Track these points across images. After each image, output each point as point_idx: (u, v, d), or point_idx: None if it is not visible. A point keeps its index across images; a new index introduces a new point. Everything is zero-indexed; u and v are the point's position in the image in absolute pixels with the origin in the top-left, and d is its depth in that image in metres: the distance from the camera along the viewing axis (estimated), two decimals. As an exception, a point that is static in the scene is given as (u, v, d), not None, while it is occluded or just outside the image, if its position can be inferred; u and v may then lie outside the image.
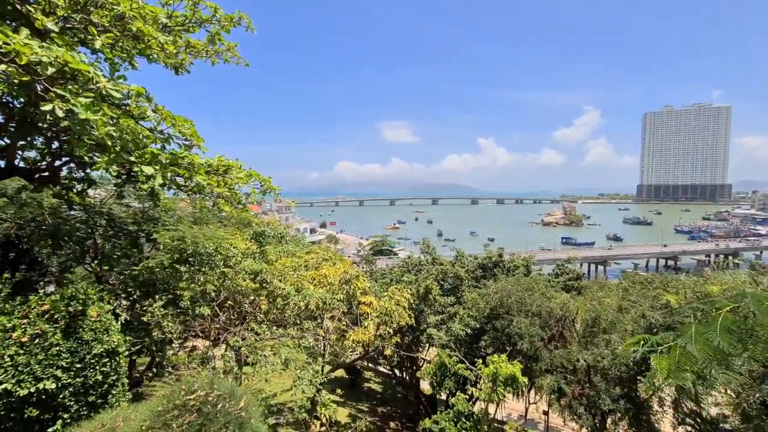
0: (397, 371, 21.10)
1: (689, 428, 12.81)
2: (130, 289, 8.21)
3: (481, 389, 10.48)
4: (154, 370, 10.70)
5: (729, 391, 9.51)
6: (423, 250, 25.97)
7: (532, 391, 18.66)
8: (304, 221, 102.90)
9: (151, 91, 5.32)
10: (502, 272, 20.22)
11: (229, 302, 8.61)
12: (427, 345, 17.40)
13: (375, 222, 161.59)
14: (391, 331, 11.80)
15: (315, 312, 11.09)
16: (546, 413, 21.26)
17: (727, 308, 3.94)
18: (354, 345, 11.78)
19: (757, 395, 7.48)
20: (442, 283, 18.63)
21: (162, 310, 7.62)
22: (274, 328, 9.20)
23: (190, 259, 8.78)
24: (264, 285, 8.79)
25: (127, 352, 6.60)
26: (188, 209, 12.31)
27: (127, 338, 7.83)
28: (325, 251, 16.58)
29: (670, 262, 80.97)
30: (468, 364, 12.78)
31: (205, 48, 7.23)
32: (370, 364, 28.15)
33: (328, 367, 13.46)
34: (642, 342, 4.40)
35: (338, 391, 20.93)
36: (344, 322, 12.58)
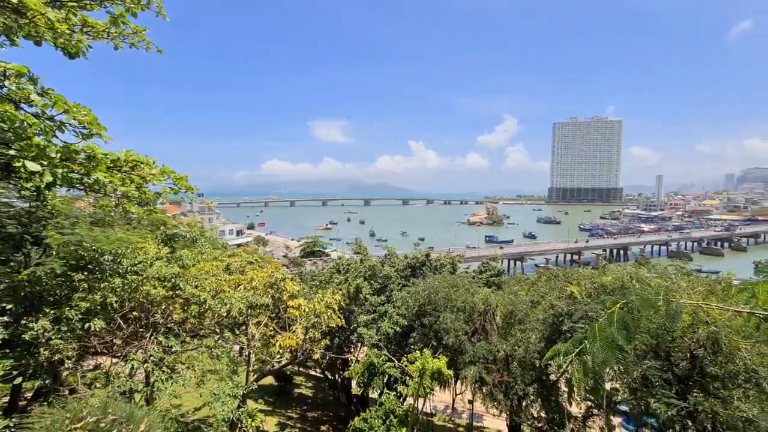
0: (328, 373, 20.86)
1: (589, 403, 14.46)
2: (5, 303, 6.98)
3: (408, 385, 10.77)
4: (47, 395, 9.29)
5: (617, 368, 10.90)
6: (355, 250, 25.98)
7: (458, 383, 19.67)
8: (230, 222, 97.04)
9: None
10: (430, 270, 21.02)
11: (135, 313, 7.75)
12: (359, 344, 17.46)
13: (306, 223, 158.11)
14: (319, 334, 11.61)
15: (238, 318, 10.51)
16: (471, 402, 22.54)
17: (618, 305, 4.54)
18: (282, 351, 11.38)
19: (639, 371, 8.69)
20: (372, 282, 18.83)
21: (50, 326, 6.61)
22: (189, 338, 8.50)
23: (89, 266, 7.76)
24: (177, 292, 8.06)
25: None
26: (90, 209, 10.89)
27: (4, 362, 6.69)
28: (251, 254, 15.81)
29: (575, 257, 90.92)
30: (397, 362, 13.06)
31: (106, 29, 6.43)
32: (301, 369, 27.47)
33: (254, 376, 12.83)
34: (557, 351, 4.87)
35: (266, 399, 20.14)
36: (271, 328, 12.10)
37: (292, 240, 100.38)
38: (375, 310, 17.14)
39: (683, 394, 7.02)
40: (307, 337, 11.23)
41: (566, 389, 14.31)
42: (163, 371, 7.27)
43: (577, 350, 4.17)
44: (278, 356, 12.10)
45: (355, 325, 16.16)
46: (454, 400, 25.03)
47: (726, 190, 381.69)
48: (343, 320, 12.77)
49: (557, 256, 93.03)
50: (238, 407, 9.37)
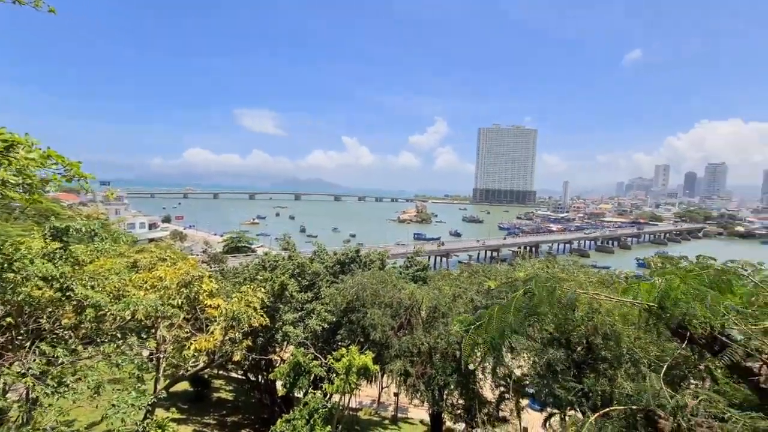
0: (251, 375, 19.91)
1: (503, 389, 15.66)
2: None
3: (334, 383, 10.66)
4: None
5: (527, 356, 11.93)
6: (284, 246, 25.12)
7: (385, 377, 20.05)
8: (142, 215, 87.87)
9: None
10: (360, 266, 21.07)
11: (9, 319, 6.54)
12: (285, 343, 16.91)
13: (231, 217, 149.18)
14: (240, 334, 10.98)
15: (146, 321, 9.49)
16: (396, 395, 23.12)
17: (521, 291, 4.95)
18: (197, 354, 10.55)
19: (545, 357, 9.58)
20: (300, 279, 18.34)
21: None
22: (83, 346, 7.45)
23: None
24: (67, 294, 6.98)
25: None
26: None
27: None
28: (164, 249, 14.41)
29: (495, 253, 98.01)
30: (323, 360, 12.88)
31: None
32: (220, 372, 25.85)
33: (165, 383, 11.73)
34: (462, 323, 5.20)
35: (180, 406, 18.58)
36: (186, 330, 11.15)
37: (215, 235, 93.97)
38: (302, 307, 16.71)
39: (579, 376, 7.94)
40: (227, 338, 10.54)
41: (482, 377, 15.33)
42: (48, 385, 6.25)
43: (477, 324, 4.49)
44: (193, 360, 11.21)
45: (281, 323, 15.60)
46: (380, 394, 25.51)
47: (617, 196, 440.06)
48: (267, 319, 12.23)
49: (479, 253, 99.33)
50: (145, 418, 8.48)
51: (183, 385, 19.53)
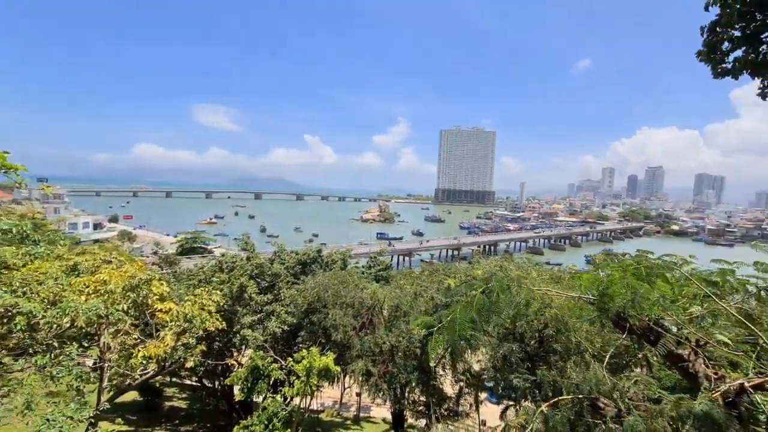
0: (206, 381, 19.09)
1: (462, 384, 16.05)
2: None
3: (293, 386, 10.45)
4: None
5: (485, 351, 12.31)
6: (242, 247, 24.30)
7: (347, 377, 19.94)
8: (86, 214, 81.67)
9: None
10: (321, 267, 20.81)
11: None
12: (243, 347, 16.38)
13: (187, 216, 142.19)
14: (194, 339, 10.49)
15: (88, 329, 8.81)
16: (358, 395, 23.08)
17: (480, 290, 5.09)
18: (146, 361, 9.94)
19: (501, 352, 9.94)
20: (259, 280, 17.83)
21: None
22: (13, 358, 6.78)
23: None
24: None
25: None
26: None
27: None
28: (110, 251, 13.46)
29: (456, 252, 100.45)
30: (283, 363, 12.59)
31: None
32: (173, 379, 24.59)
33: (109, 393, 10.96)
34: (423, 324, 5.27)
35: (128, 417, 17.46)
36: (134, 336, 10.48)
37: (167, 236, 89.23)
38: (261, 309, 16.26)
39: (532, 369, 8.33)
40: (179, 343, 10.03)
41: (443, 374, 15.62)
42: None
43: (439, 325, 4.58)
44: (142, 368, 10.57)
45: (239, 326, 15.10)
46: (342, 395, 25.35)
47: (569, 196, 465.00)
48: (223, 323, 11.77)
49: (440, 252, 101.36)
50: (87, 431, 7.89)
51: (131, 395, 18.38)
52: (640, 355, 6.94)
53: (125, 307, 9.22)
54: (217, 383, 18.68)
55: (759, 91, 3.95)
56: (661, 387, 5.55)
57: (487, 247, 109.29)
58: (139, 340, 10.27)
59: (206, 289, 11.20)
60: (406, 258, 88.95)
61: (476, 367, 15.14)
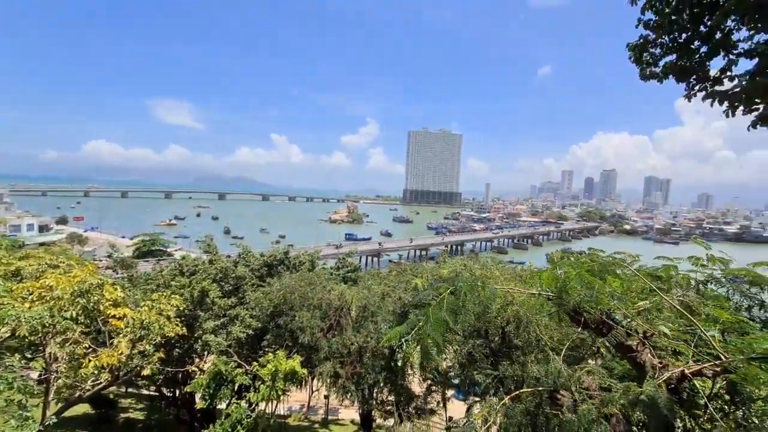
0: (165, 390, 18.24)
1: (430, 381, 16.27)
2: None
3: (259, 391, 10.20)
4: None
5: (452, 349, 12.54)
6: (205, 249, 23.46)
7: (314, 380, 19.68)
8: (30, 215, 75.84)
9: None
10: (288, 269, 20.45)
11: None
12: (205, 353, 15.80)
13: (144, 217, 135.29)
14: (152, 346, 9.98)
15: (31, 338, 8.17)
16: (326, 397, 22.85)
17: (448, 290, 5.19)
18: (98, 371, 9.35)
19: (466, 348, 10.16)
20: (222, 284, 17.26)
21: None
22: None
23: None
24: None
25: None
26: None
27: None
28: (56, 255, 12.58)
29: (424, 252, 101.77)
30: (248, 368, 12.26)
31: None
32: (129, 390, 23.33)
33: (57, 407, 10.21)
34: (396, 333, 5.30)
35: (77, 433, 16.37)
36: (84, 345, 9.83)
37: (123, 238, 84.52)
38: (225, 314, 15.74)
39: (496, 364, 8.58)
40: (135, 351, 9.52)
41: (411, 373, 15.76)
42: None
43: (413, 331, 4.63)
44: (93, 378, 9.94)
45: (201, 332, 14.54)
46: (310, 398, 25.00)
47: (531, 197, 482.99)
48: (183, 328, 11.30)
49: (409, 252, 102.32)
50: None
51: (83, 408, 17.25)
52: (594, 348, 7.31)
53: (74, 314, 8.64)
54: (177, 391, 17.91)
55: (685, 93, 4.27)
56: (613, 376, 5.89)
57: (454, 247, 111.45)
58: (90, 349, 9.65)
59: (165, 294, 10.70)
60: (375, 258, 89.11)
61: (444, 365, 15.40)
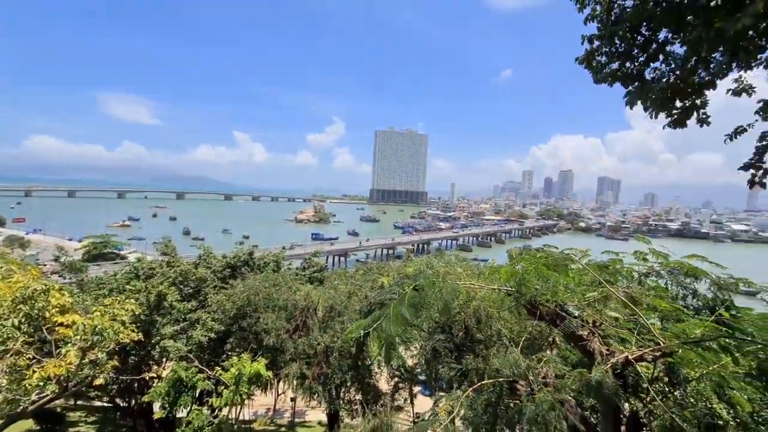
0: (120, 400, 17.27)
1: (397, 378, 16.44)
2: None
3: (221, 395, 9.92)
4: None
5: (417, 345, 12.77)
6: (162, 251, 22.45)
7: (280, 382, 19.34)
8: (-39, 217, 69.17)
9: None
10: (252, 270, 19.97)
11: None
12: (164, 360, 15.13)
13: (95, 219, 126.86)
14: (105, 354, 9.44)
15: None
16: (293, 399, 22.53)
17: (411, 287, 5.32)
18: (43, 383, 8.72)
19: (430, 344, 10.40)
20: (182, 287, 16.59)
21: None
22: None
23: None
24: None
25: None
26: None
27: None
28: (-6, 260, 11.59)
29: (390, 251, 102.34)
30: (210, 372, 11.87)
31: None
32: (79, 402, 21.89)
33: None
34: (359, 326, 5.37)
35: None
36: (28, 356, 9.13)
37: (71, 240, 78.92)
38: (185, 318, 15.15)
39: (460, 358, 8.86)
40: (85, 360, 8.97)
41: (378, 371, 15.87)
42: None
43: (374, 325, 4.73)
44: (38, 391, 9.25)
45: (159, 337, 13.91)
46: (276, 401, 24.54)
47: (494, 197, 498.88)
48: (140, 334, 10.76)
49: (376, 251, 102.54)
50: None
51: (26, 424, 16.00)
52: (551, 339, 7.72)
53: (16, 323, 8.01)
54: (133, 401, 17.02)
55: (625, 98, 4.63)
56: (568, 365, 6.25)
57: (420, 245, 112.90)
58: (34, 360, 8.98)
59: (118, 299, 10.14)
60: (341, 258, 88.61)
61: (410, 362, 15.64)
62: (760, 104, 4.16)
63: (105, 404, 19.66)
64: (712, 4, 3.39)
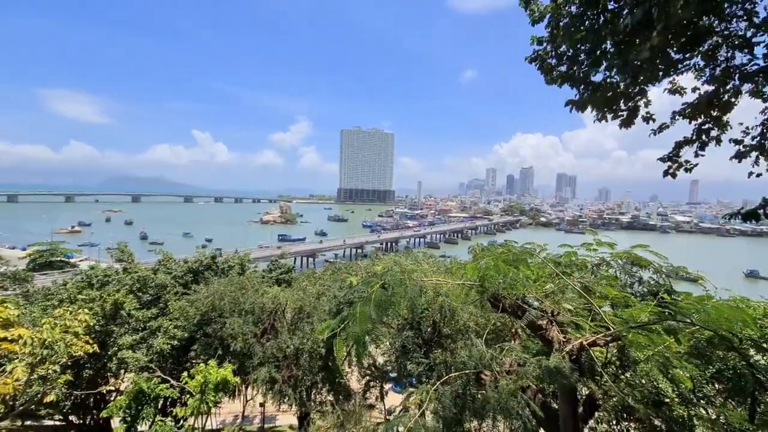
0: (74, 417, 16.25)
1: (369, 377, 16.49)
2: None
3: (186, 404, 9.58)
4: None
5: (387, 342, 12.91)
6: (117, 257, 21.28)
7: (249, 388, 18.88)
8: None
9: None
10: (216, 274, 19.36)
11: None
12: (122, 371, 14.38)
13: (40, 225, 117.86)
14: (57, 368, 8.86)
15: None
16: (262, 405, 22.05)
17: (378, 284, 5.41)
18: (-14, 404, 8.08)
19: (400, 341, 10.56)
20: (140, 294, 15.83)
21: None
22: None
23: None
24: None
25: None
26: None
27: None
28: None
29: (359, 250, 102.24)
30: (173, 382, 11.42)
31: None
32: (27, 422, 20.32)
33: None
34: (327, 326, 5.41)
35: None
36: (-34, 375, 8.41)
37: (13, 249, 73.02)
38: (145, 326, 14.47)
39: (428, 353, 9.07)
40: (35, 376, 8.39)
41: (349, 370, 15.87)
42: None
43: (342, 326, 4.80)
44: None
45: (116, 348, 13.22)
46: (244, 408, 23.94)
47: (460, 194, 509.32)
48: (95, 345, 10.18)
49: (344, 251, 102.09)
50: None
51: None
52: (513, 330, 8.07)
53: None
54: (89, 418, 16.07)
55: (577, 99, 4.96)
56: (529, 354, 6.56)
57: (389, 244, 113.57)
58: (-26, 380, 8.29)
59: (69, 309, 9.54)
60: (309, 259, 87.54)
61: (380, 359, 15.74)
62: (683, 105, 4.62)
63: (57, 423, 18.38)
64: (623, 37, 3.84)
